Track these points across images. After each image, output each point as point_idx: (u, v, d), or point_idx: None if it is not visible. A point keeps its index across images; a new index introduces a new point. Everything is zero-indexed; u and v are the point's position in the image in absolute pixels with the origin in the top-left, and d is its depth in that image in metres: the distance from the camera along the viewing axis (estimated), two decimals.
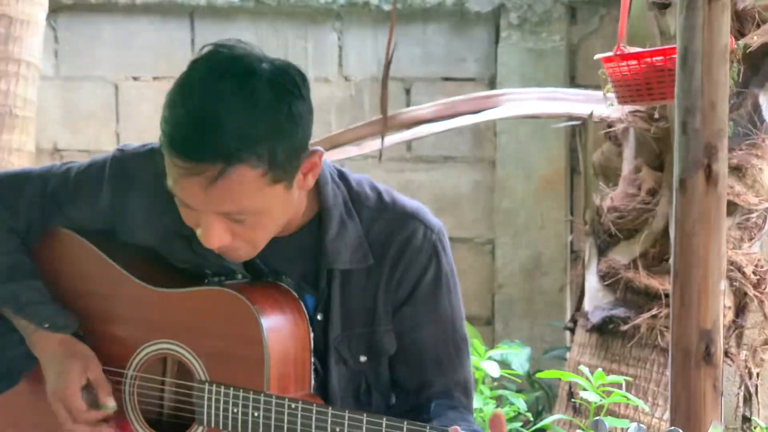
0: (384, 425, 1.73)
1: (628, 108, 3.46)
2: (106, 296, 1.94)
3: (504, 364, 3.48)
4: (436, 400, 1.88)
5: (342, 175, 1.90)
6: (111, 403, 1.89)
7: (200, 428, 1.84)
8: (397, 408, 1.92)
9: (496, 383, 3.51)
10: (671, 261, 2.19)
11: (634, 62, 2.86)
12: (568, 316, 4.11)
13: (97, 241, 1.95)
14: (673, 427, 1.49)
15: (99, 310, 1.94)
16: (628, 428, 1.48)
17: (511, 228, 4.35)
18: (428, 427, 1.71)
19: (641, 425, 1.47)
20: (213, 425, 1.82)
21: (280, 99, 1.69)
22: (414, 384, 1.90)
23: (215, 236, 1.74)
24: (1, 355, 1.96)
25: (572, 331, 3.67)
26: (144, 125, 4.54)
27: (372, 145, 3.58)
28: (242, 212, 1.72)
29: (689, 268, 2.13)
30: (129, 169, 1.90)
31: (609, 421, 2.69)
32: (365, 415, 1.74)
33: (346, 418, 1.75)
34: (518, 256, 4.34)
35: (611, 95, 3.10)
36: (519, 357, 3.65)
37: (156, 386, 1.90)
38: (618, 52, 2.88)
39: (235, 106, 1.67)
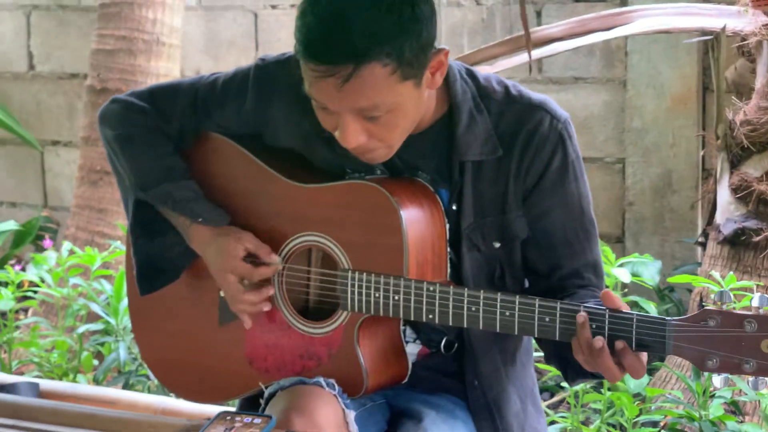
0: (517, 302, 1.81)
1: (762, 21, 3.42)
2: (255, 194, 2.03)
3: (634, 276, 3.50)
4: (567, 281, 1.95)
5: (470, 73, 1.97)
6: (276, 259, 1.98)
7: (344, 313, 1.93)
8: (530, 291, 1.99)
9: (626, 290, 3.56)
10: None
11: None
12: (699, 233, 4.10)
13: (244, 144, 2.05)
14: None
15: (248, 207, 2.03)
16: (752, 297, 1.52)
17: (641, 147, 4.34)
18: (558, 303, 1.79)
19: (764, 295, 1.51)
20: (356, 310, 1.91)
21: (403, 0, 1.78)
22: (545, 267, 1.96)
23: (351, 135, 1.82)
24: (165, 252, 2.08)
25: (703, 246, 3.67)
26: (282, 52, 4.64)
27: (504, 64, 3.62)
28: (375, 108, 1.80)
29: None
30: (270, 76, 2.02)
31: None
32: (499, 294, 1.82)
33: (481, 297, 1.83)
34: (648, 175, 4.32)
35: (743, 7, 3.07)
36: (649, 269, 3.67)
37: (303, 276, 2.00)
38: None
39: (361, 8, 1.76)
